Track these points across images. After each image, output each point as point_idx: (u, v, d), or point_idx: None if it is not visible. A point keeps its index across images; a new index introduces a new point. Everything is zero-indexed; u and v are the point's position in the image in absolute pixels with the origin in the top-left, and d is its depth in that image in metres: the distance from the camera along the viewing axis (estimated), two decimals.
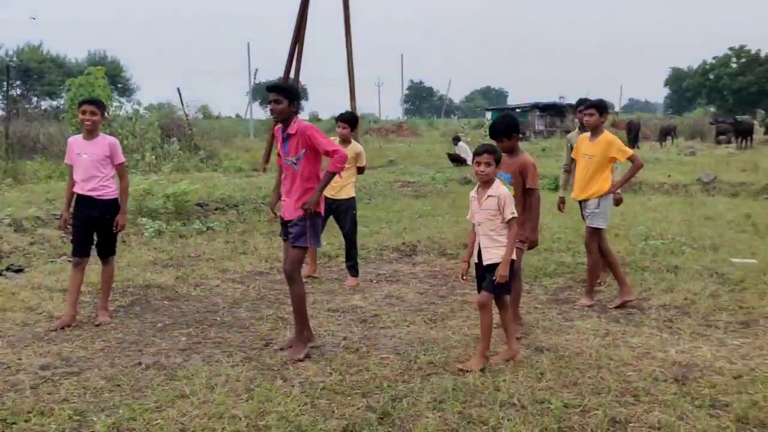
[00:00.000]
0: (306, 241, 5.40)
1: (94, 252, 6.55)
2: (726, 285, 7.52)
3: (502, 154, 5.47)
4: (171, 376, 5.02)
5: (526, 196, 5.81)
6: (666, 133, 37.26)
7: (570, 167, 7.81)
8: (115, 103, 21.97)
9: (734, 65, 69.66)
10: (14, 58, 73.07)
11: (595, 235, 7.07)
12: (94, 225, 6.37)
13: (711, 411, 4.34)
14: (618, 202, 7.87)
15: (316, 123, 72.13)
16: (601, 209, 7.01)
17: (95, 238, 6.47)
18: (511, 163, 5.79)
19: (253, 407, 4.37)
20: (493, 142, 5.74)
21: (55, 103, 53.16)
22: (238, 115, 76.36)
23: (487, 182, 5.22)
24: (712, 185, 17.42)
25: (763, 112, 62.86)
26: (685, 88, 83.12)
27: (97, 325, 6.26)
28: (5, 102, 30.03)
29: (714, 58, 72.46)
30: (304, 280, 8.03)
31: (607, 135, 7.03)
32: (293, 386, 4.78)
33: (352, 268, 8.09)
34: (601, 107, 7.05)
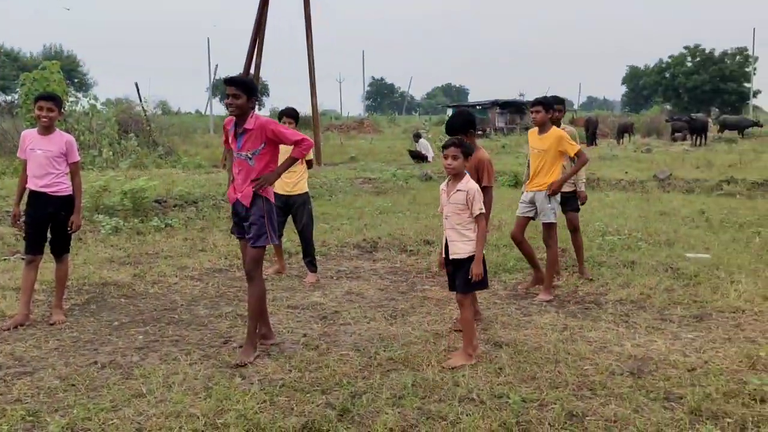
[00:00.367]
0: (266, 240, 5.34)
1: (48, 249, 6.42)
2: (680, 279, 7.66)
3: None
4: (127, 375, 4.95)
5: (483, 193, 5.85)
6: (623, 131, 37.83)
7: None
8: (71, 98, 21.60)
9: (689, 64, 70.96)
10: None
11: (550, 229, 7.22)
12: (47, 222, 6.25)
13: (665, 404, 4.42)
14: (583, 200, 8.08)
15: (276, 119, 71.95)
16: (552, 204, 7.19)
17: (49, 235, 6.35)
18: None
19: (212, 405, 4.33)
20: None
21: (9, 98, 52.01)
22: (198, 111, 75.68)
23: (457, 176, 5.23)
24: (668, 182, 17.73)
25: (717, 109, 64.27)
26: (642, 86, 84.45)
27: (52, 324, 6.15)
28: None
29: (670, 56, 73.78)
30: (274, 276, 8.05)
31: (556, 130, 7.22)
32: (252, 384, 4.74)
33: (311, 264, 8.07)
34: (547, 104, 7.23)
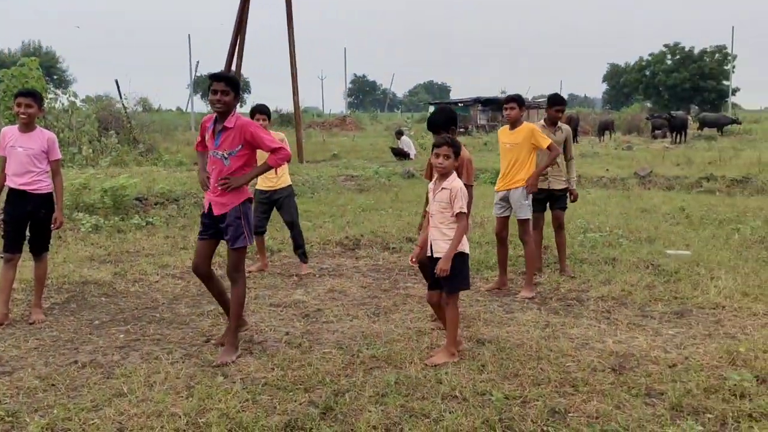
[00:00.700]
0: (244, 240, 5.28)
1: (27, 248, 6.35)
2: (661, 276, 7.71)
3: None
4: (108, 374, 4.91)
5: None
6: (604, 128, 38.04)
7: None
8: (51, 95, 21.38)
9: (669, 62, 71.39)
10: None
11: (526, 225, 7.29)
12: (27, 220, 6.18)
13: (647, 399, 4.45)
14: (575, 198, 8.19)
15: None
16: (528, 200, 7.28)
17: (28, 233, 6.28)
18: None
19: (193, 405, 4.31)
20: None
21: None
22: (179, 108, 75.24)
23: (444, 174, 5.22)
24: (649, 179, 17.84)
25: (697, 107, 64.68)
26: (623, 83, 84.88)
27: (31, 324, 6.09)
28: None
29: (650, 54, 74.14)
30: (256, 274, 8.02)
31: (527, 124, 7.34)
32: (234, 382, 4.72)
33: (303, 255, 8.18)
34: (521, 101, 7.34)
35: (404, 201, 14.08)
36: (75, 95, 21.73)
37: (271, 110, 8.03)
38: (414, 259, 5.59)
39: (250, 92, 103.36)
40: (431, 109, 53.77)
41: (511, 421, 4.14)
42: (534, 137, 7.20)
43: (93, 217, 10.61)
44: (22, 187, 6.07)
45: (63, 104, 21.16)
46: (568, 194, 8.05)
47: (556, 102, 7.90)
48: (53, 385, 4.70)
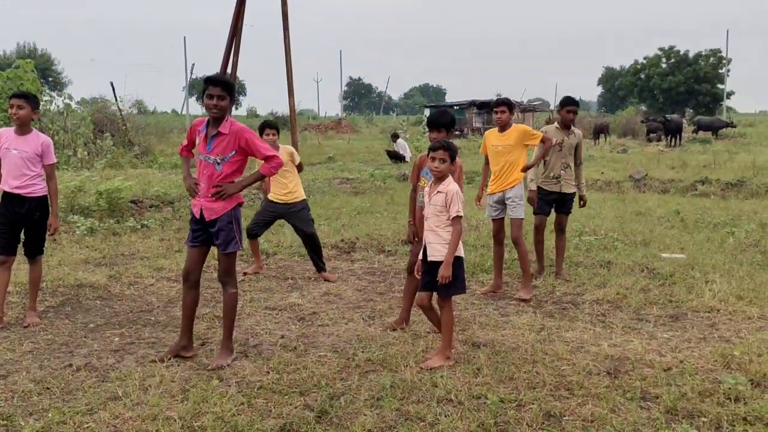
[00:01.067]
0: (236, 245, 5.23)
1: (21, 251, 6.34)
2: (656, 279, 7.73)
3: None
4: (103, 377, 4.90)
5: None
6: (599, 131, 38.09)
7: (538, 165, 7.89)
8: (46, 98, 21.34)
9: (664, 65, 71.59)
10: None
11: (519, 226, 7.31)
12: (21, 223, 6.16)
13: (642, 403, 4.46)
14: (584, 203, 8.27)
15: (254, 119, 71.48)
16: (523, 199, 7.36)
17: (22, 236, 6.26)
18: None
19: (189, 408, 4.30)
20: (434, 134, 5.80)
21: None
22: (174, 111, 75.19)
23: (440, 178, 5.23)
24: (643, 182, 17.88)
25: (691, 110, 64.88)
26: (618, 87, 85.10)
27: (26, 327, 6.07)
28: None
29: (645, 58, 74.35)
30: (251, 277, 8.00)
31: (518, 126, 7.43)
32: (230, 386, 4.72)
33: (322, 263, 8.18)
34: (510, 105, 7.41)
35: (400, 204, 14.06)
36: (70, 97, 21.71)
37: (265, 117, 8.07)
38: (419, 272, 5.46)
39: (245, 95, 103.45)
40: (427, 112, 53.93)
41: (507, 425, 4.14)
42: (527, 136, 7.28)
43: (88, 220, 10.60)
44: (16, 191, 6.05)
45: (58, 106, 21.11)
46: (578, 199, 8.10)
47: (567, 103, 7.87)
48: (48, 388, 4.69)
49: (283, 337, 5.85)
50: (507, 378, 4.85)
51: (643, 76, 73.36)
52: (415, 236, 6.00)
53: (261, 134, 7.82)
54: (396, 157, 24.78)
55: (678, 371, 4.99)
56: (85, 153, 18.73)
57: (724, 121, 43.10)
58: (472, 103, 51.26)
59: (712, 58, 69.46)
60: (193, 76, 69.00)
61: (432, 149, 5.23)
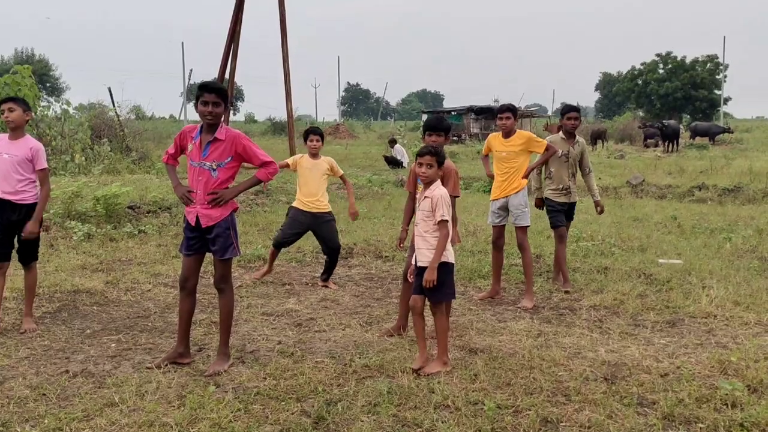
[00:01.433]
0: (234, 251, 5.22)
1: (16, 257, 6.32)
2: (653, 285, 7.74)
3: None
4: (99, 383, 4.89)
5: None
6: (597, 137, 38.14)
7: (540, 170, 7.92)
8: (44, 103, 21.33)
9: (661, 71, 71.59)
10: None
11: (525, 233, 7.32)
12: (14, 229, 6.12)
13: (639, 409, 4.46)
14: (602, 209, 8.17)
15: (252, 125, 71.44)
16: (528, 206, 7.35)
17: (16, 243, 6.23)
18: None
19: (185, 414, 4.29)
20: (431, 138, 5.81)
21: None
22: (172, 116, 75.18)
23: (428, 183, 5.24)
24: (641, 188, 17.91)
25: (689, 116, 64.92)
26: (615, 92, 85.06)
27: (22, 333, 6.05)
28: None
29: (642, 63, 74.34)
30: (249, 283, 7.99)
31: (523, 132, 7.44)
32: (226, 392, 4.71)
33: (329, 276, 8.08)
34: (515, 111, 7.38)
35: (397, 209, 14.05)
36: (68, 103, 21.65)
37: (259, 120, 8.02)
38: (411, 277, 5.48)
39: (243, 100, 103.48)
40: (424, 117, 53.93)
41: (504, 431, 4.14)
42: (531, 144, 7.29)
43: (85, 226, 10.57)
44: (7, 197, 6.00)
45: (56, 112, 21.08)
46: (594, 206, 8.12)
47: (567, 110, 7.83)
48: (44, 394, 4.68)
49: (280, 342, 5.84)
50: (504, 384, 4.85)
51: (640, 81, 73.29)
52: (402, 242, 6.06)
53: (305, 140, 7.85)
54: (393, 162, 24.79)
55: (675, 377, 4.99)
56: (83, 158, 18.68)
57: (721, 127, 43.18)
58: (470, 109, 51.33)
59: (709, 64, 69.44)
60: (191, 82, 69.01)
61: (419, 155, 5.27)
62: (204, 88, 5.06)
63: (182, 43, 63.48)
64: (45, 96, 23.90)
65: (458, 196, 5.86)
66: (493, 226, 7.55)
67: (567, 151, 7.68)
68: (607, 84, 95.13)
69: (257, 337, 6.01)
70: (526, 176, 7.33)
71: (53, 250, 9.47)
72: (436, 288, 5.13)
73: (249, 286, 7.88)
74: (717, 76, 69.22)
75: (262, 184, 5.63)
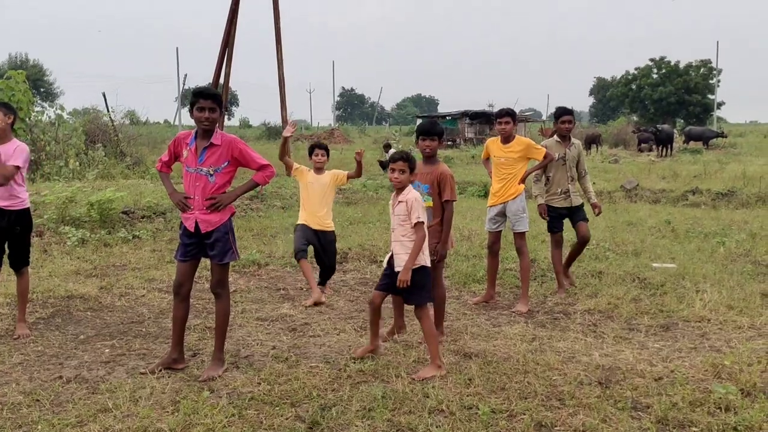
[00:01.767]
0: (233, 255, 5.23)
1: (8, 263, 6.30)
2: (647, 289, 7.75)
3: (420, 163, 5.72)
4: (93, 389, 4.87)
5: (443, 208, 5.88)
6: (591, 141, 38.23)
7: (541, 177, 7.78)
8: (38, 108, 21.27)
9: (655, 76, 71.85)
10: None
11: (523, 238, 7.32)
12: (3, 236, 6.09)
13: (633, 413, 4.46)
14: (600, 211, 8.01)
15: (247, 129, 71.36)
16: (526, 212, 7.32)
17: (6, 248, 6.20)
18: (429, 173, 5.84)
19: (179, 420, 4.28)
20: (421, 144, 5.85)
21: None
22: (166, 121, 75.13)
23: (400, 188, 5.34)
24: (635, 192, 17.95)
25: (682, 121, 65.14)
26: (609, 97, 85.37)
27: (16, 338, 6.04)
28: None
29: (636, 68, 74.63)
30: (243, 288, 7.96)
31: (522, 138, 7.42)
32: (221, 397, 4.70)
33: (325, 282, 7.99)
34: (514, 116, 7.38)
35: None
36: (62, 108, 21.65)
37: (256, 124, 7.97)
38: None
39: (238, 105, 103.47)
40: (419, 122, 54.03)
41: None
42: (530, 151, 7.27)
43: (79, 231, 10.55)
44: None
45: (50, 117, 21.06)
46: (592, 208, 7.95)
47: (561, 114, 7.75)
48: (38, 400, 4.66)
49: (274, 347, 5.84)
50: (498, 388, 4.85)
51: (634, 86, 73.58)
52: None
53: (310, 155, 7.78)
54: (388, 167, 24.76)
55: (669, 381, 5.00)
56: (77, 164, 18.67)
57: (714, 132, 43.31)
58: (465, 114, 51.43)
59: (702, 69, 69.77)
60: (186, 87, 69.06)
61: (392, 160, 5.36)
62: (199, 94, 5.06)
63: (177, 48, 63.49)
64: (39, 101, 23.80)
65: (455, 200, 5.89)
66: (489, 232, 7.54)
67: (564, 154, 7.66)
68: (601, 89, 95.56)
69: (252, 342, 6.01)
70: (522, 181, 7.33)
71: (47, 255, 9.45)
72: (414, 291, 5.24)
73: (243, 291, 7.88)
74: (710, 81, 69.53)
75: (259, 187, 5.65)
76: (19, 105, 17.35)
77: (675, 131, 40.73)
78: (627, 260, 9.30)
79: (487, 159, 7.73)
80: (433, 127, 5.99)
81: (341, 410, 4.47)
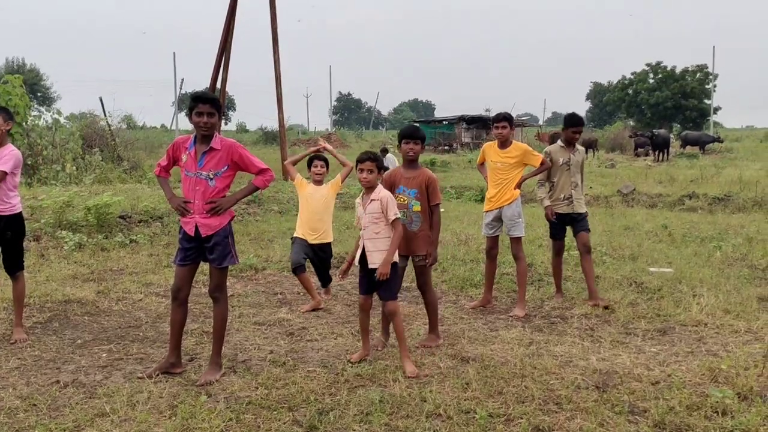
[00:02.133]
0: (232, 259, 5.25)
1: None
2: (644, 294, 7.76)
3: (401, 168, 5.87)
4: (90, 394, 4.87)
5: (431, 212, 5.88)
6: (588, 146, 38.26)
7: (545, 182, 7.65)
8: (35, 113, 21.25)
9: (651, 80, 71.95)
10: None
11: (519, 243, 7.32)
12: None
13: (630, 417, 4.47)
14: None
15: (244, 134, 71.35)
16: (522, 217, 7.33)
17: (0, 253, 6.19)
18: (413, 177, 5.83)
19: (177, 424, 4.28)
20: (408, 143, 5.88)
21: None
22: (163, 126, 75.11)
23: (369, 188, 5.45)
24: (632, 197, 17.98)
25: (679, 125, 65.24)
26: (606, 102, 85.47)
27: (13, 343, 6.03)
28: None
29: (632, 73, 74.67)
30: (240, 292, 7.96)
31: (519, 144, 7.45)
32: (218, 402, 4.70)
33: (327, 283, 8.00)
34: (511, 120, 7.38)
35: None
36: (59, 113, 21.62)
37: (251, 130, 7.96)
38: (341, 276, 6.02)
39: (235, 109, 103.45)
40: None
41: None
42: (527, 157, 7.29)
43: (76, 235, 10.54)
44: None
45: (47, 122, 21.05)
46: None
47: (573, 123, 7.57)
48: (35, 405, 4.65)
49: (272, 352, 5.84)
50: (496, 392, 4.86)
51: (630, 91, 73.63)
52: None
53: (309, 167, 7.77)
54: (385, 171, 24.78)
55: (666, 385, 5.01)
56: (74, 168, 18.64)
57: (711, 136, 43.45)
58: (462, 118, 51.52)
59: (698, 74, 69.85)
60: (183, 92, 69.02)
61: (359, 161, 5.48)
62: (198, 99, 5.08)
63: (174, 53, 63.49)
64: (36, 105, 23.77)
65: (440, 203, 5.96)
66: (487, 237, 7.54)
67: (568, 159, 7.54)
68: (597, 93, 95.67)
69: (249, 346, 6.00)
70: (518, 186, 7.34)
71: (44, 259, 9.44)
72: (386, 286, 5.38)
73: (241, 296, 7.87)
74: (707, 86, 69.61)
75: (258, 191, 5.68)
76: (16, 109, 17.33)
77: (671, 136, 40.81)
78: (624, 264, 9.32)
79: (482, 164, 7.72)
80: (416, 131, 6.03)
81: (339, 414, 4.47)
